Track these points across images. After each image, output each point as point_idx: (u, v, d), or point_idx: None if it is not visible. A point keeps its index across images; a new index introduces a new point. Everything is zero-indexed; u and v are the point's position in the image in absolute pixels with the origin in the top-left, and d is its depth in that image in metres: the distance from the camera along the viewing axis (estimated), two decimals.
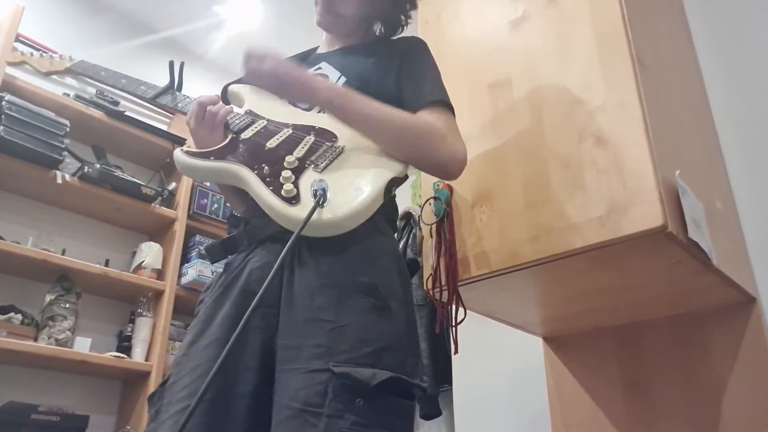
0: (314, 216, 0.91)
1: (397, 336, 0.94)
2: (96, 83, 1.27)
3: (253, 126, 1.10)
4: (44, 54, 1.35)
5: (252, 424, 0.90)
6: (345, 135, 1.06)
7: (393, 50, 1.19)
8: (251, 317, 0.97)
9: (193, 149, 1.07)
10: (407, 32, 1.28)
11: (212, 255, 1.10)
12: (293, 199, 0.95)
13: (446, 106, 1.11)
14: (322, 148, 1.03)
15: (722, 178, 1.45)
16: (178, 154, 1.05)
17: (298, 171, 0.99)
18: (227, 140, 1.08)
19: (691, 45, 1.62)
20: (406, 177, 1.04)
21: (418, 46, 1.20)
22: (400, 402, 0.89)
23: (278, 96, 1.13)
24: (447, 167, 1.06)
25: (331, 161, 1.01)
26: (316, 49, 1.31)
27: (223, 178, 1.05)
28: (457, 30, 1.51)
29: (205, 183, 2.71)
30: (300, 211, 0.92)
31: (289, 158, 1.01)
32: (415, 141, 1.04)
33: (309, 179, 0.98)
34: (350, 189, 0.96)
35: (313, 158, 1.02)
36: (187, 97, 1.20)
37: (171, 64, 1.23)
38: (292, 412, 0.85)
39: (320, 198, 0.92)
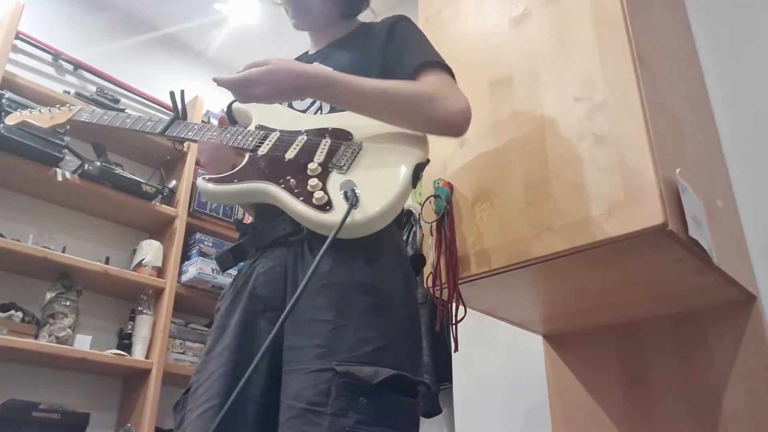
0: (348, 218, 0.90)
1: (398, 334, 0.94)
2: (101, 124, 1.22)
3: (268, 140, 1.09)
4: (42, 109, 1.30)
5: (263, 425, 0.92)
6: (359, 131, 1.06)
7: (376, 34, 1.19)
8: (258, 321, 1.00)
9: (215, 175, 1.06)
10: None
11: (222, 264, 1.11)
12: (327, 206, 0.94)
13: (435, 64, 1.09)
14: (341, 149, 1.03)
15: (723, 176, 1.45)
16: (201, 183, 1.05)
17: (323, 176, 0.99)
18: (245, 160, 1.07)
19: (692, 42, 1.62)
20: (428, 161, 1.04)
21: (397, 24, 1.19)
22: (403, 400, 0.89)
23: (276, 102, 1.12)
24: (447, 124, 1.04)
25: (353, 160, 1.01)
26: (306, 53, 1.33)
27: (251, 197, 1.05)
28: (458, 28, 1.51)
29: None
30: (335, 216, 0.92)
31: (311, 165, 1.01)
32: (409, 107, 1.03)
33: (336, 182, 0.97)
34: (379, 186, 0.96)
35: (334, 161, 1.01)
36: (196, 124, 1.18)
37: (172, 95, 1.21)
38: (296, 412, 0.86)
39: (352, 200, 0.91)
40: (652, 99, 1.10)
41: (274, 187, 1.00)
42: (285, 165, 1.03)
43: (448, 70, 1.11)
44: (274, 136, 1.10)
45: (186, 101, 1.22)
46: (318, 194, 0.95)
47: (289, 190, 0.98)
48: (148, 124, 1.19)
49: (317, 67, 1.10)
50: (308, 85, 1.04)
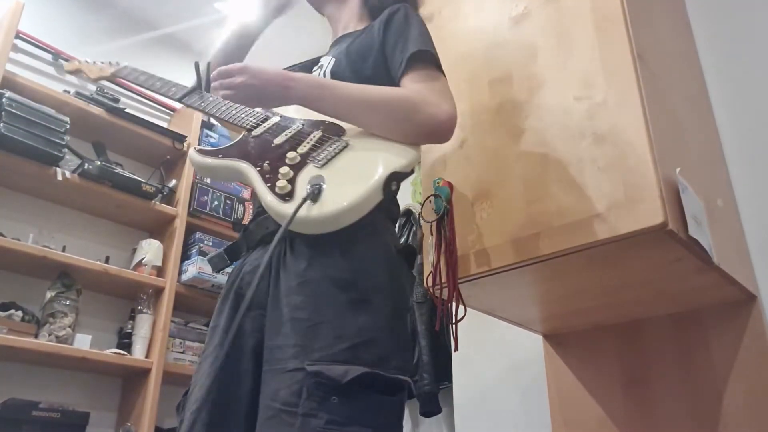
0: (303, 213, 0.90)
1: (378, 330, 0.92)
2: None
3: (266, 123, 1.11)
4: (95, 62, 1.47)
5: (252, 424, 0.92)
6: (353, 129, 1.06)
7: (376, 26, 1.19)
8: (244, 321, 1.00)
9: (206, 147, 1.09)
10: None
11: (214, 265, 1.12)
12: (287, 196, 0.94)
13: (425, 61, 1.08)
14: (327, 143, 1.03)
15: (723, 176, 1.45)
16: (191, 152, 1.09)
17: (297, 167, 0.99)
18: (239, 137, 1.10)
19: (692, 42, 1.62)
20: (411, 171, 1.03)
21: (395, 15, 1.18)
22: (380, 398, 0.87)
23: (258, 106, 1.13)
24: (431, 134, 1.04)
25: (333, 156, 1.00)
26: (318, 58, 1.34)
27: (230, 175, 1.07)
28: (458, 27, 1.51)
29: (205, 180, 2.71)
30: (290, 208, 0.91)
31: (290, 154, 1.01)
32: (392, 116, 1.02)
33: (307, 175, 0.97)
34: (346, 185, 0.95)
35: (314, 154, 1.01)
36: (210, 96, 1.21)
37: (197, 65, 1.26)
38: (272, 412, 0.87)
39: (309, 194, 0.91)
40: (652, 98, 1.10)
41: (250, 168, 1.01)
42: (270, 149, 1.04)
43: (437, 65, 1.10)
44: (272, 120, 1.11)
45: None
46: (281, 183, 0.96)
47: (262, 173, 1.00)
48: (172, 89, 1.25)
49: (308, 75, 1.11)
50: (294, 87, 1.05)
